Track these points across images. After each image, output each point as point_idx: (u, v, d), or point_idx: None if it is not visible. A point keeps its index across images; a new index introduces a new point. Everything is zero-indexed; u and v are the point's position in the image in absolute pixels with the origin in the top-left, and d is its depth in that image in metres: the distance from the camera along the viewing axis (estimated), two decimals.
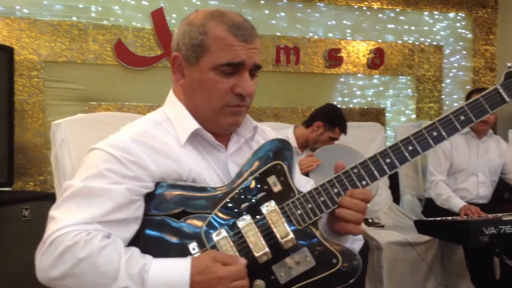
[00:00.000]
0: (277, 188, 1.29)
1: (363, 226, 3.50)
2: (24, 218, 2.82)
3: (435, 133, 1.30)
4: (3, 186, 3.21)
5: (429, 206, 3.93)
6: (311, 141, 3.29)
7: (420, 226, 3.30)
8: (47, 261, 1.13)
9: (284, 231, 1.22)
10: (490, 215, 3.22)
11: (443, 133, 1.30)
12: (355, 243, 1.41)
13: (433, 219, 3.23)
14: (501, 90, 1.32)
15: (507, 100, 1.32)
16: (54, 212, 1.19)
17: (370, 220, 3.76)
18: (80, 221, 1.15)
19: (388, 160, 1.29)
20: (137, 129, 1.33)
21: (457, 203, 3.51)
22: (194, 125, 1.34)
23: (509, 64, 1.34)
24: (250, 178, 1.30)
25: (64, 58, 3.86)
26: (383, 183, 4.13)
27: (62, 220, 1.15)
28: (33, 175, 3.78)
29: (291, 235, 1.22)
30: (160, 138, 1.32)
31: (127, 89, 4.05)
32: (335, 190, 1.27)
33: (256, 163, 1.33)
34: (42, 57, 3.80)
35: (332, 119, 3.25)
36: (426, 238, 3.46)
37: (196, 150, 1.36)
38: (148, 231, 1.24)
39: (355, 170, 1.28)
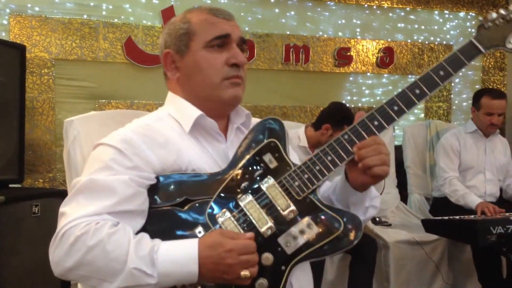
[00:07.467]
0: (273, 164, 1.35)
1: (370, 225, 3.53)
2: (34, 214, 2.84)
3: (417, 91, 1.36)
4: (13, 183, 3.23)
5: (437, 205, 3.94)
6: (323, 143, 3.29)
7: (428, 225, 3.31)
8: (60, 253, 1.17)
9: (285, 203, 1.28)
10: (507, 214, 3.22)
11: (425, 89, 1.36)
12: (374, 200, 1.45)
13: (441, 218, 3.23)
14: (475, 42, 1.40)
15: (483, 51, 1.40)
16: (64, 208, 1.23)
17: (377, 219, 3.76)
18: (89, 213, 1.19)
19: (376, 122, 1.34)
20: (139, 123, 1.40)
21: (474, 200, 3.51)
22: (196, 112, 1.40)
23: (480, 18, 1.44)
24: (247, 158, 1.36)
25: (74, 56, 3.89)
26: (391, 182, 4.12)
27: (72, 214, 1.19)
28: (42, 172, 3.81)
29: (292, 207, 1.27)
30: (161, 131, 1.37)
31: (136, 87, 4.06)
32: (329, 158, 1.33)
33: (251, 144, 1.38)
34: (53, 54, 3.82)
35: (338, 119, 3.25)
36: (433, 237, 3.46)
37: (196, 141, 1.41)
38: (154, 222, 1.27)
39: (346, 136, 1.34)
